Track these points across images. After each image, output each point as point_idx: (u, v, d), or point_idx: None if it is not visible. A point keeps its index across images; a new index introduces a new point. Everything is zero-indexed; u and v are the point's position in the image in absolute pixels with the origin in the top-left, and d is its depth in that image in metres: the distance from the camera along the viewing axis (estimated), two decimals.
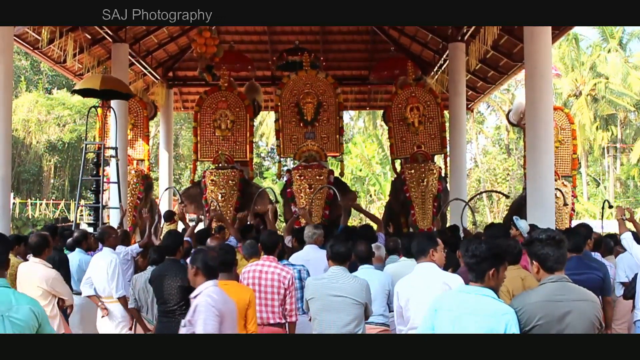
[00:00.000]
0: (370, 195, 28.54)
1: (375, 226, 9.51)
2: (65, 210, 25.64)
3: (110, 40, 13.22)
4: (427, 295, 4.09)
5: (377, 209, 25.83)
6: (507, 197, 21.97)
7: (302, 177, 11.25)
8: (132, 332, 6.30)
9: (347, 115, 32.02)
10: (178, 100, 19.04)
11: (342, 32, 16.39)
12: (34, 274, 5.58)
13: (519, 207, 11.49)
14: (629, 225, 6.41)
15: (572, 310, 3.15)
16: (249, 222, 9.49)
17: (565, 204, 11.70)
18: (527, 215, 9.32)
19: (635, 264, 6.07)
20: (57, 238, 7.32)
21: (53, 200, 28.00)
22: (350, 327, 4.60)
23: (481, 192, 26.56)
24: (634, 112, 34.22)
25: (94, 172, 10.41)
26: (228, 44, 15.21)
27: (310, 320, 4.87)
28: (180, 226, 10.67)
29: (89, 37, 13.30)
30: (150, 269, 5.77)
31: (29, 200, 27.00)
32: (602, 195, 30.54)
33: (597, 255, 6.57)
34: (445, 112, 14.43)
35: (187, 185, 25.85)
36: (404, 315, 4.38)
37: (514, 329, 3.06)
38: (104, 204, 10.50)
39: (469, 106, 17.36)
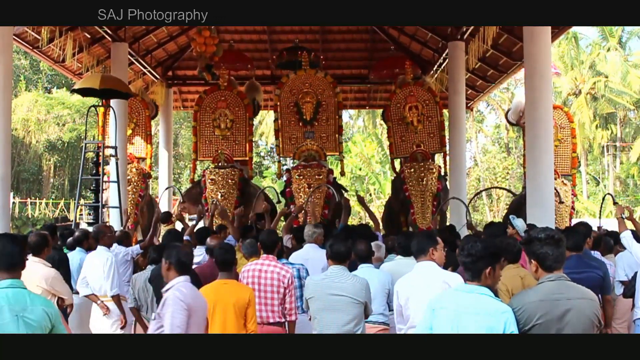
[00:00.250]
0: (370, 195, 28.51)
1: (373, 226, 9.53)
2: (65, 210, 25.63)
3: (109, 39, 13.21)
4: (427, 294, 4.08)
5: (377, 208, 25.81)
6: (513, 194, 21.93)
7: (301, 177, 11.25)
8: (124, 330, 6.32)
9: (347, 114, 32.05)
10: (177, 100, 19.04)
11: (341, 31, 16.38)
12: (33, 274, 5.57)
13: (518, 205, 11.50)
14: (629, 224, 6.40)
15: (571, 308, 3.15)
16: (249, 223, 9.50)
17: (561, 202, 11.71)
18: (526, 214, 9.32)
19: (635, 263, 6.07)
20: (56, 237, 7.31)
21: (53, 199, 27.99)
22: (350, 326, 4.60)
23: (488, 189, 26.52)
24: (634, 110, 34.22)
25: (94, 172, 10.41)
26: (228, 43, 15.20)
27: (310, 319, 4.88)
28: (179, 226, 10.68)
29: (89, 36, 13.29)
30: (150, 268, 5.77)
31: (28, 199, 27.01)
32: (603, 192, 30.52)
33: (596, 254, 6.57)
34: (445, 111, 14.43)
35: (186, 184, 25.88)
36: (403, 314, 4.38)
37: (513, 328, 3.06)
38: (103, 203, 10.50)
39: (469, 105, 17.35)
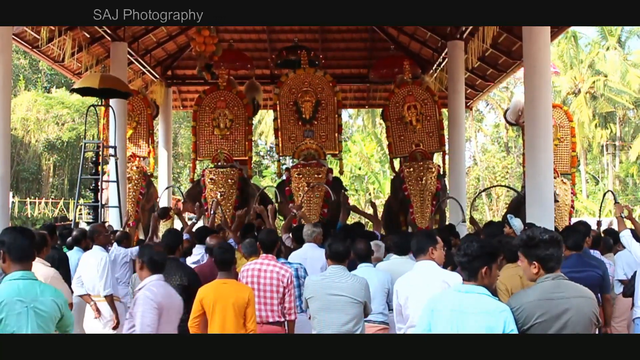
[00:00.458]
0: (370, 194, 28.52)
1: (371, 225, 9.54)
2: (65, 209, 25.63)
3: (109, 39, 13.21)
4: (427, 294, 4.09)
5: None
6: (517, 192, 21.96)
7: (300, 176, 11.25)
8: (119, 331, 6.32)
9: (346, 114, 32.03)
10: (177, 99, 19.04)
11: (341, 31, 16.38)
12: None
13: (517, 205, 11.50)
14: (628, 223, 6.41)
15: (570, 307, 3.15)
16: (249, 221, 9.50)
17: (556, 201, 11.70)
18: (526, 213, 9.33)
19: (634, 262, 6.08)
20: (55, 237, 7.31)
21: (52, 199, 27.98)
22: (349, 326, 4.60)
23: (491, 187, 26.51)
24: (633, 109, 34.23)
25: (93, 171, 10.41)
26: (228, 43, 15.20)
27: (309, 318, 4.88)
28: (178, 224, 10.68)
29: (88, 35, 13.28)
30: None
31: (28, 199, 27.00)
32: (602, 192, 30.53)
33: (596, 253, 6.58)
34: (444, 110, 14.43)
35: (186, 183, 25.89)
36: (403, 313, 4.39)
37: (513, 327, 3.06)
38: (103, 202, 10.50)
39: (468, 104, 17.35)
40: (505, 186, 24.36)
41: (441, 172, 12.31)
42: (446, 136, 13.62)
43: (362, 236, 6.29)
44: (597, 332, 5.49)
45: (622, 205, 6.48)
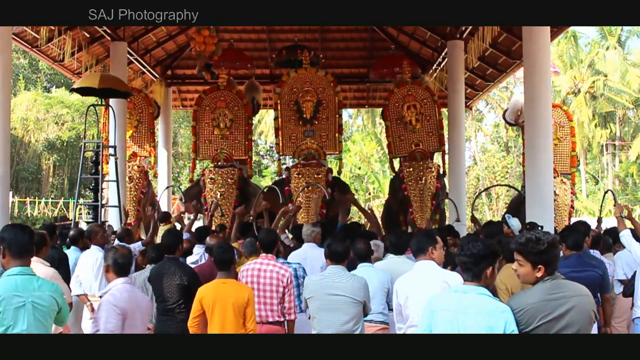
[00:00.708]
0: (369, 193, 28.52)
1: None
2: (64, 209, 25.62)
3: (108, 38, 13.21)
4: (426, 293, 4.09)
5: (376, 207, 25.81)
6: (519, 191, 21.97)
7: (300, 175, 11.25)
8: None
9: (346, 113, 32.01)
10: (177, 99, 19.04)
11: (340, 30, 16.38)
12: None
13: (517, 204, 11.50)
14: (628, 222, 6.40)
15: (572, 306, 3.14)
16: (250, 220, 9.50)
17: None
18: (525, 212, 9.33)
19: (634, 262, 6.08)
20: (55, 237, 7.30)
21: (52, 198, 27.96)
22: (349, 326, 4.60)
23: (492, 186, 26.51)
24: (633, 109, 34.24)
25: (93, 171, 10.41)
26: (228, 42, 15.21)
27: (309, 318, 4.88)
28: (178, 226, 10.67)
29: (87, 35, 13.28)
30: (149, 267, 5.78)
31: (27, 199, 26.97)
32: (602, 191, 30.54)
33: (595, 253, 6.58)
34: (444, 110, 14.43)
35: (185, 183, 25.87)
36: (403, 313, 4.38)
37: (513, 327, 3.06)
38: (103, 202, 10.50)
39: (468, 104, 17.35)
40: (507, 185, 24.36)
41: (441, 172, 12.31)
42: (446, 136, 13.62)
43: (362, 236, 6.28)
44: (596, 330, 5.53)
45: (621, 205, 6.47)
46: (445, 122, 13.97)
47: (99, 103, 10.66)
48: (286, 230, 7.95)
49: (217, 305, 4.61)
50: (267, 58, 16.60)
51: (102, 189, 10.44)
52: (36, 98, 28.73)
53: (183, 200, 11.78)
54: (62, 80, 30.87)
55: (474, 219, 9.55)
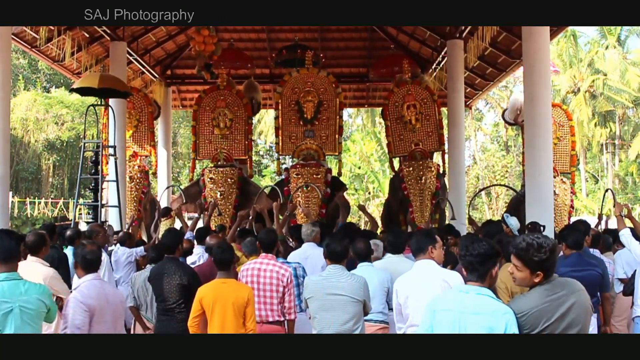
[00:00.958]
0: (369, 193, 28.52)
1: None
2: (64, 209, 25.61)
3: (108, 38, 13.21)
4: (426, 293, 4.09)
5: (376, 207, 25.81)
6: (515, 191, 22.03)
7: (299, 175, 11.25)
8: (130, 330, 6.31)
9: (346, 113, 32.01)
10: (176, 99, 19.04)
11: (340, 30, 16.38)
12: (32, 273, 5.54)
13: (517, 204, 11.50)
14: (627, 222, 6.41)
15: (572, 303, 3.14)
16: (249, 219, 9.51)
17: None
18: (525, 212, 9.34)
19: (634, 261, 6.08)
20: (55, 237, 7.30)
21: (52, 199, 27.95)
22: (349, 325, 4.60)
23: (490, 186, 26.55)
24: (632, 108, 34.22)
25: (93, 171, 10.41)
26: (228, 42, 15.21)
27: (309, 318, 4.88)
28: (178, 223, 10.68)
29: (87, 35, 13.28)
30: (149, 267, 5.78)
31: (27, 199, 26.96)
32: (602, 191, 30.54)
33: (595, 252, 6.58)
34: (444, 109, 14.43)
35: (185, 183, 25.87)
36: (403, 312, 4.39)
37: (514, 329, 3.05)
38: (103, 202, 10.50)
39: (468, 103, 17.36)
40: (503, 185, 24.38)
41: (441, 171, 12.32)
42: (445, 135, 13.62)
43: (362, 235, 6.28)
44: (596, 329, 5.53)
45: (621, 204, 6.48)
46: (444, 122, 13.97)
47: (99, 103, 10.66)
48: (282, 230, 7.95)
49: (217, 305, 4.61)
50: (266, 58, 16.60)
51: (102, 189, 10.44)
52: (36, 98, 28.71)
53: (184, 201, 11.77)
54: (62, 80, 30.86)
55: (471, 221, 9.53)
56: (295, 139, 12.29)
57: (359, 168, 29.13)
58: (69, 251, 7.06)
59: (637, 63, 33.58)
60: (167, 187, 16.31)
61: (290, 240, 7.51)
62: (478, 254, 3.22)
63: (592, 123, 32.33)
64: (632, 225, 6.46)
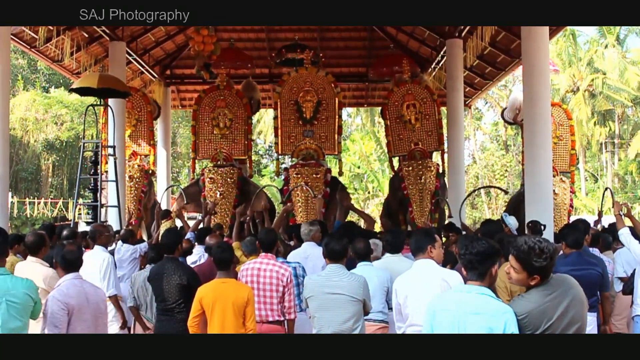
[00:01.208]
0: (369, 192, 28.54)
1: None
2: (64, 209, 25.61)
3: (107, 38, 13.20)
4: (426, 292, 4.09)
5: (376, 206, 25.84)
6: (505, 192, 22.06)
7: (299, 175, 11.25)
8: (125, 331, 6.31)
9: (345, 112, 32.00)
10: (176, 99, 19.04)
11: (339, 29, 16.38)
12: (31, 273, 5.56)
13: (516, 203, 11.50)
14: (627, 221, 6.41)
15: (570, 300, 3.14)
16: (248, 219, 9.51)
17: None
18: (525, 211, 9.33)
19: (634, 260, 6.08)
20: (54, 237, 7.30)
21: (51, 199, 27.95)
22: (348, 324, 4.60)
23: (480, 188, 26.60)
24: (632, 107, 34.22)
25: (92, 171, 10.41)
26: (228, 42, 15.21)
27: (309, 317, 4.88)
28: (178, 223, 10.68)
29: (86, 35, 13.27)
30: (149, 267, 5.78)
31: (27, 199, 26.96)
32: (601, 190, 30.55)
33: (595, 251, 6.58)
34: (443, 109, 14.43)
35: (185, 183, 25.87)
36: (402, 312, 4.39)
37: (513, 328, 3.04)
38: (102, 202, 10.50)
39: (467, 103, 17.36)
40: (492, 186, 24.48)
41: (440, 171, 12.32)
42: (445, 135, 13.62)
43: (361, 235, 6.28)
44: (596, 328, 5.53)
45: (620, 203, 6.48)
46: (444, 121, 13.97)
47: (98, 103, 10.66)
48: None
49: (216, 305, 4.61)
50: (266, 57, 16.59)
51: (101, 189, 10.43)
52: (35, 98, 28.70)
53: (185, 203, 11.77)
54: (61, 81, 30.84)
55: (464, 227, 9.42)
56: (295, 139, 12.29)
57: (359, 167, 29.15)
58: None
59: (636, 62, 33.57)
60: (168, 188, 16.30)
61: (286, 239, 7.52)
62: (477, 253, 3.20)
63: (592, 122, 32.33)
64: (631, 224, 6.45)
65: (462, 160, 14.75)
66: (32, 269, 5.59)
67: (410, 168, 11.68)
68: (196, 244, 7.24)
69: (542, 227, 7.65)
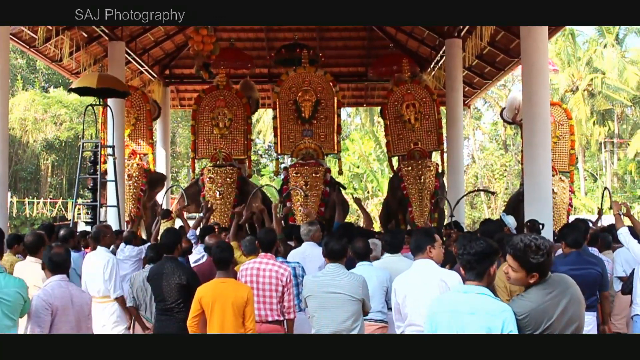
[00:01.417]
0: (368, 192, 28.53)
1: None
2: (63, 209, 25.60)
3: (106, 38, 13.20)
4: (425, 292, 4.10)
5: (375, 206, 25.83)
6: (492, 193, 22.32)
7: (298, 175, 11.25)
8: (130, 330, 6.30)
9: (344, 112, 32.02)
10: (175, 98, 19.04)
11: (338, 29, 16.38)
12: (31, 274, 5.56)
13: (516, 203, 11.50)
14: (626, 220, 6.41)
15: (569, 299, 3.14)
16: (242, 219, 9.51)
17: None
18: (524, 210, 9.34)
19: (633, 259, 6.09)
20: (54, 237, 7.29)
21: (50, 199, 27.94)
22: (347, 324, 4.60)
23: (467, 193, 26.69)
24: (631, 107, 34.24)
25: (91, 171, 10.40)
26: (228, 42, 15.20)
27: (308, 317, 4.88)
28: (178, 223, 10.67)
29: (85, 35, 13.26)
30: (148, 267, 5.77)
31: (26, 199, 26.95)
32: (600, 189, 30.56)
33: (594, 251, 6.58)
34: (442, 109, 14.43)
35: (184, 182, 25.88)
36: (401, 311, 4.39)
37: (512, 327, 3.04)
38: (101, 202, 10.49)
39: (466, 102, 17.38)
40: (480, 190, 24.64)
41: (440, 171, 12.32)
42: (444, 134, 13.63)
43: (361, 235, 6.29)
44: (595, 328, 5.53)
45: (619, 203, 6.48)
46: (443, 121, 13.98)
47: (97, 103, 10.65)
48: None
49: (216, 305, 4.61)
50: (265, 57, 16.59)
51: (100, 189, 10.43)
52: (34, 98, 28.69)
53: (186, 204, 11.77)
54: (60, 80, 30.84)
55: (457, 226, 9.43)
56: (294, 139, 12.28)
57: (358, 167, 29.15)
58: None
59: (636, 61, 33.58)
60: (168, 188, 16.29)
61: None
62: (475, 253, 3.20)
63: (591, 122, 32.35)
64: (631, 224, 6.46)
65: (462, 160, 14.75)
66: (31, 269, 5.59)
67: (410, 168, 11.68)
68: (199, 242, 7.24)
69: (540, 226, 7.65)
